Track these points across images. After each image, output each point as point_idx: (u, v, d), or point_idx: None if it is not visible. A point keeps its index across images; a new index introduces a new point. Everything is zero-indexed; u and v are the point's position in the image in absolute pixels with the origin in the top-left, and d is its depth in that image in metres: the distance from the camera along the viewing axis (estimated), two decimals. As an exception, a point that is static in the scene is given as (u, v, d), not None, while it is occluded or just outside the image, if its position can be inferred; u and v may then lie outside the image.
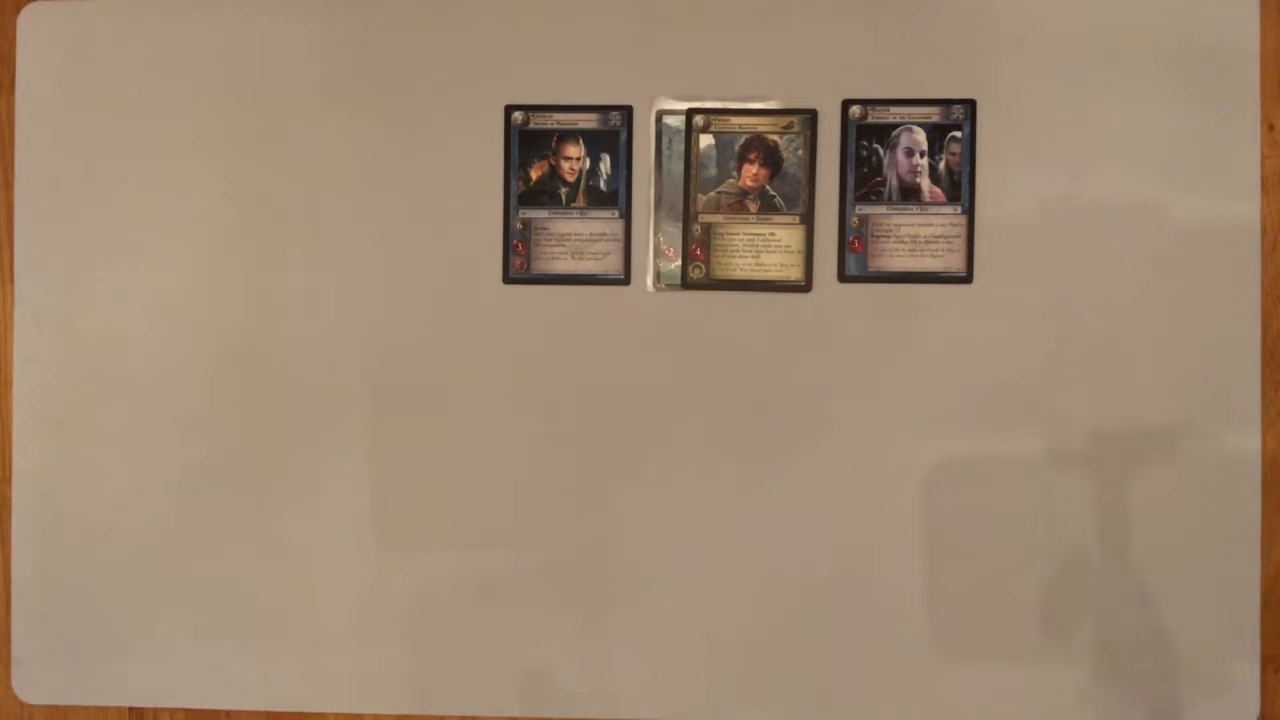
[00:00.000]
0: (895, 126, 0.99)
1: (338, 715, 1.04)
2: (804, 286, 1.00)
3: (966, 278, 0.99)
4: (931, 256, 0.99)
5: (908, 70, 0.99)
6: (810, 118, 1.00)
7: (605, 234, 1.01)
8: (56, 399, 1.04)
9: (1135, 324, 0.98)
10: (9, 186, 1.05)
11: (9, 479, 1.05)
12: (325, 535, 1.03)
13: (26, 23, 1.04)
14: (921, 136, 0.99)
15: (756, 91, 1.00)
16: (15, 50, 1.04)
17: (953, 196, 0.99)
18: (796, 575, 1.01)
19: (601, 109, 1.01)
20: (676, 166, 1.01)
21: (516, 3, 1.02)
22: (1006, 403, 0.99)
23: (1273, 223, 0.99)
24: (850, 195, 1.00)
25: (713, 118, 1.00)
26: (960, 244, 0.99)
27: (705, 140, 1.00)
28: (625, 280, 1.01)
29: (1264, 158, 0.98)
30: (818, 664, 1.01)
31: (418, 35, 1.02)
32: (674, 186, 1.01)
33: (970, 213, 0.99)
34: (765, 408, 1.00)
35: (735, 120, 1.00)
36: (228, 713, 1.05)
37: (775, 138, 1.00)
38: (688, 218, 1.01)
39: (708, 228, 1.01)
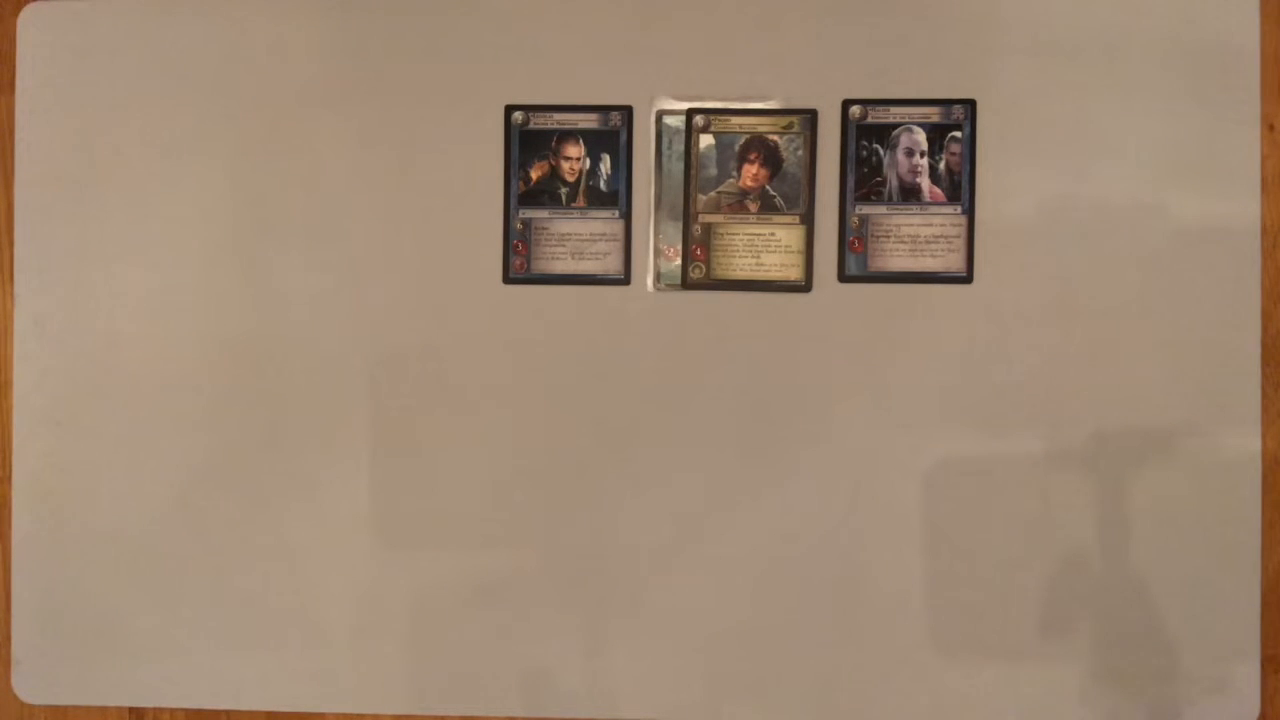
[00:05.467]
0: (895, 126, 0.99)
1: (338, 715, 1.04)
2: (804, 286, 1.00)
3: (966, 278, 0.99)
4: (931, 256, 0.99)
5: (908, 70, 0.99)
6: (810, 118, 1.00)
7: (605, 234, 1.01)
8: (56, 399, 1.04)
9: (1135, 324, 0.98)
10: (9, 186, 1.05)
11: (9, 479, 1.05)
12: (325, 535, 1.03)
13: (26, 23, 1.04)
14: (921, 136, 0.99)
15: (756, 91, 1.00)
16: (15, 50, 1.04)
17: (953, 196, 0.99)
18: (796, 575, 1.01)
19: (601, 109, 1.01)
20: (676, 166, 1.01)
21: (516, 3, 1.02)
22: (1006, 403, 0.99)
23: (1273, 223, 0.99)
24: (850, 195, 1.00)
25: (713, 118, 1.00)
26: (960, 244, 0.99)
27: (705, 140, 1.00)
28: (625, 280, 1.01)
29: (1264, 158, 0.98)
30: (818, 663, 1.01)
31: (418, 35, 1.02)
32: (674, 186, 1.01)
33: (970, 213, 0.99)
34: (765, 408, 1.00)
35: (735, 120, 1.00)
36: (228, 713, 1.05)
37: (775, 138, 1.00)
38: (688, 218, 1.01)
39: (708, 228, 1.01)
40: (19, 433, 1.05)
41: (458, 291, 1.02)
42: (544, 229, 1.01)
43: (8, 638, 1.06)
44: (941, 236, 0.99)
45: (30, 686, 1.06)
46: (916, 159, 0.99)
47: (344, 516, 1.03)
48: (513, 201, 1.01)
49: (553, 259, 1.01)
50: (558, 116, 1.01)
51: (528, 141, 1.01)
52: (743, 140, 1.00)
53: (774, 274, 1.00)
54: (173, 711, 1.05)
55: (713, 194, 1.00)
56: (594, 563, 1.02)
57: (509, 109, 1.01)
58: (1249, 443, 0.98)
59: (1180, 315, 0.98)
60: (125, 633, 1.04)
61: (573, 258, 1.01)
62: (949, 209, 0.99)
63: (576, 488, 1.02)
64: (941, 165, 0.99)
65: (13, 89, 1.04)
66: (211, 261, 1.03)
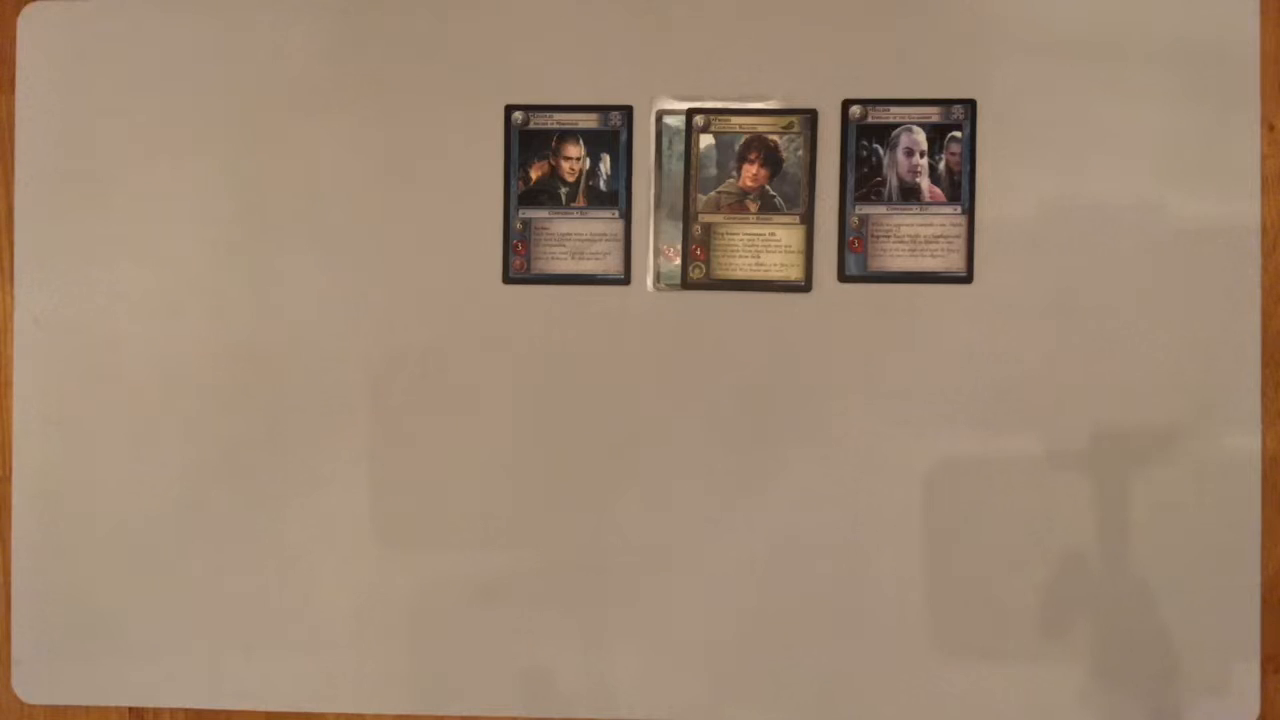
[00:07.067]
0: (895, 126, 0.99)
1: (338, 715, 1.04)
2: (804, 286, 1.00)
3: (966, 278, 0.99)
4: (931, 256, 0.99)
5: (908, 70, 0.99)
6: (810, 118, 1.00)
7: (605, 234, 1.01)
8: (56, 399, 1.04)
9: (1135, 324, 0.98)
10: (9, 186, 1.05)
11: (9, 479, 1.05)
12: (325, 535, 1.03)
13: (26, 23, 1.04)
14: (921, 136, 0.99)
15: (756, 91, 1.00)
16: (15, 50, 1.04)
17: (953, 196, 0.99)
18: (796, 575, 1.01)
19: (601, 109, 1.01)
20: (676, 166, 1.01)
21: (516, 3, 1.02)
22: (1006, 403, 0.99)
23: (1273, 223, 0.99)
24: (850, 195, 1.00)
25: (713, 118, 1.00)
26: (960, 244, 0.99)
27: (705, 140, 1.00)
28: (625, 280, 1.01)
29: (1264, 158, 0.98)
30: (818, 664, 1.01)
31: (418, 35, 1.02)
32: (674, 186, 1.01)
33: (970, 213, 0.99)
34: (765, 408, 1.00)
35: (735, 120, 1.00)
36: (228, 713, 1.05)
37: (775, 138, 1.00)
38: (688, 218, 1.01)
39: (708, 228, 1.01)
40: (19, 432, 1.05)
41: (458, 291, 1.02)
42: (544, 229, 1.01)
43: (8, 638, 1.06)
44: (941, 236, 0.99)
45: (30, 686, 1.06)
46: (916, 159, 0.99)
47: (344, 516, 1.03)
48: (513, 201, 1.01)
49: (553, 259, 1.01)
50: (558, 116, 1.01)
51: (528, 141, 1.01)
52: (743, 140, 1.00)
53: (774, 274, 1.00)
54: (173, 711, 1.05)
55: (713, 194, 1.00)
56: (594, 563, 1.02)
57: (509, 109, 1.01)
58: (1249, 443, 0.98)
59: (1180, 315, 0.98)
60: (125, 633, 1.04)
61: (573, 258, 1.01)
62: (949, 209, 0.99)
63: (576, 487, 1.02)
64: (941, 165, 0.99)
65: (13, 89, 1.04)
66: (211, 261, 1.03)
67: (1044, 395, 0.99)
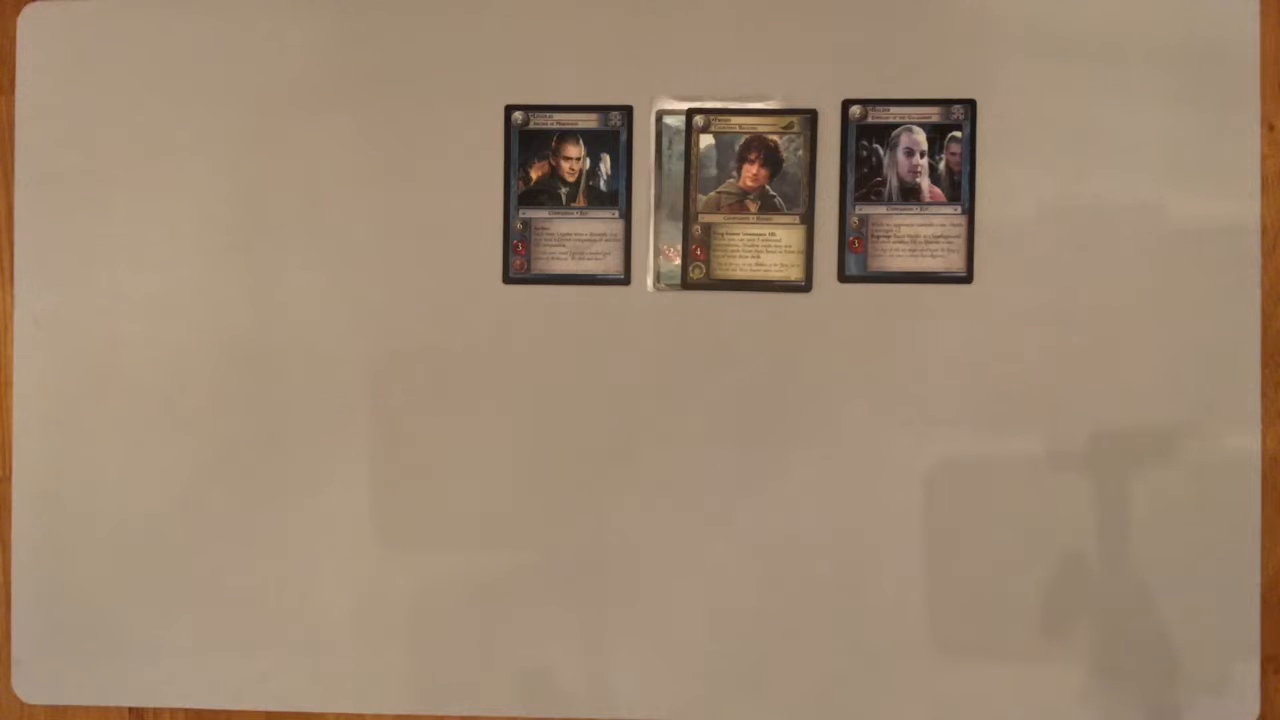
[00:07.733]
0: (895, 126, 0.99)
1: (338, 715, 1.04)
2: (804, 286, 1.00)
3: (966, 278, 0.99)
4: (931, 256, 0.99)
5: (908, 70, 0.99)
6: (810, 118, 1.00)
7: (605, 234, 1.01)
8: (56, 399, 1.04)
9: (1135, 324, 0.98)
10: (9, 186, 1.05)
11: (9, 479, 1.05)
12: (325, 535, 1.03)
13: (26, 23, 1.04)
14: (921, 136, 0.99)
15: (756, 91, 1.00)
16: (15, 50, 1.04)
17: (953, 196, 0.99)
18: (796, 575, 1.01)
19: (601, 109, 1.01)
20: (676, 166, 1.01)
21: (516, 3, 1.02)
22: (1006, 403, 0.99)
23: (1273, 223, 0.99)
24: (850, 195, 1.00)
25: (713, 118, 1.00)
26: (960, 244, 0.99)
27: (705, 140, 1.00)
28: (625, 280, 1.01)
29: (1264, 158, 0.98)
30: (818, 663, 1.01)
31: (418, 35, 1.02)
32: (674, 186, 1.01)
33: (970, 213, 0.99)
34: (765, 408, 1.00)
35: (735, 120, 1.00)
36: (228, 713, 1.05)
37: (775, 138, 1.00)
38: (688, 218, 1.01)
39: (708, 228, 1.01)
40: (19, 433, 1.05)
41: (458, 291, 1.02)
42: (544, 229, 1.01)
43: (8, 638, 1.06)
44: (941, 236, 0.99)
45: (30, 686, 1.06)
46: (916, 159, 0.99)
47: (344, 516, 1.03)
48: (513, 201, 1.01)
49: (553, 259, 1.01)
50: (558, 116, 1.01)
51: (528, 141, 1.01)
52: (743, 140, 1.00)
53: (774, 274, 1.00)
54: (173, 711, 1.05)
55: (713, 194, 1.00)
56: (594, 562, 1.02)
57: (509, 109, 1.01)
58: (1249, 443, 0.98)
59: (1180, 315, 0.98)
60: (125, 633, 1.04)
61: (573, 258, 1.01)
62: (949, 209, 0.99)
63: (576, 488, 1.02)
64: (941, 165, 0.99)
65: (13, 89, 1.04)
66: (211, 261, 1.03)
67: (1044, 395, 0.99)
